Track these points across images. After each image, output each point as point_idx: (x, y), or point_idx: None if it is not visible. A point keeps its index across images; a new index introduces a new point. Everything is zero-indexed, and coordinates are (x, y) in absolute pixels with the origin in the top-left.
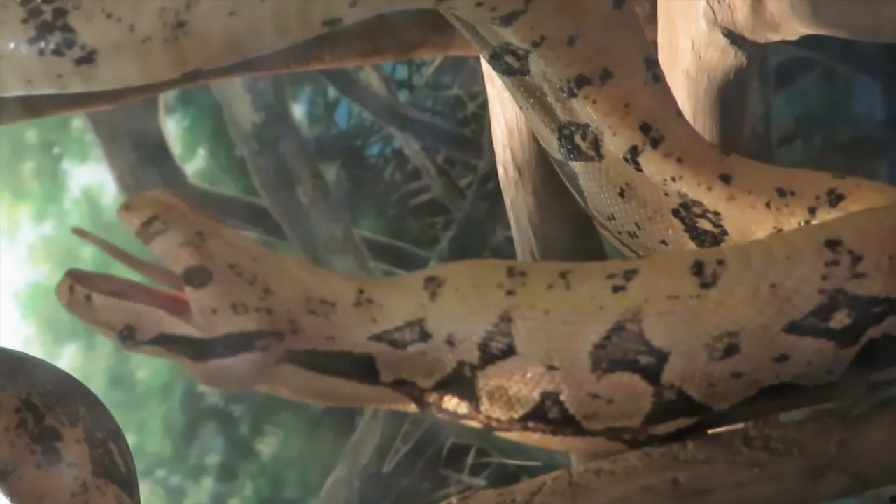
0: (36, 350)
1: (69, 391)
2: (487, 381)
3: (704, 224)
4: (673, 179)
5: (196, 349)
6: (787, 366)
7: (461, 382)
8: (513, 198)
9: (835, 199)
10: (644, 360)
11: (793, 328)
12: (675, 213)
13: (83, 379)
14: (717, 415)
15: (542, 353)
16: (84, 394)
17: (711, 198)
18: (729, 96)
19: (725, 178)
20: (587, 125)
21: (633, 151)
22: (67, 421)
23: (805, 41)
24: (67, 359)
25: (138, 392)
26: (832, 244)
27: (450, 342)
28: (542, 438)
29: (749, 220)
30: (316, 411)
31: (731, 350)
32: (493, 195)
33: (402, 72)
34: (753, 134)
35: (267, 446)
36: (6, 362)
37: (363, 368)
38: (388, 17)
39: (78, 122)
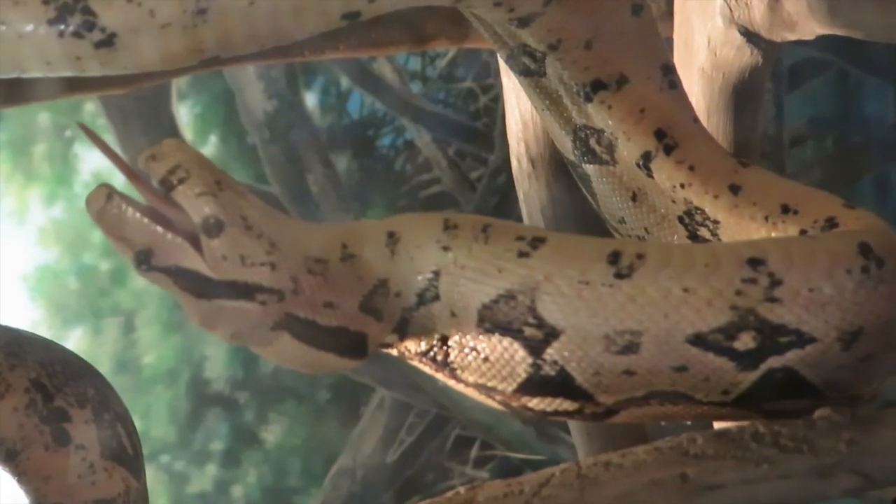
0: (43, 333)
1: (78, 373)
2: (416, 319)
3: (704, 232)
4: (682, 186)
5: (201, 286)
6: (685, 377)
7: (402, 323)
8: (526, 190)
9: (828, 227)
10: (529, 331)
11: (697, 340)
12: (681, 219)
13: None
14: (602, 407)
15: (450, 301)
16: (93, 375)
17: (715, 206)
18: (743, 95)
19: (734, 189)
20: (602, 130)
21: (646, 157)
22: (76, 402)
23: (818, 43)
24: (74, 342)
25: (144, 377)
26: (755, 262)
27: (397, 295)
28: (430, 372)
29: (743, 231)
30: (321, 400)
31: (629, 348)
32: (503, 188)
33: (415, 63)
34: (765, 134)
35: (271, 434)
36: (16, 342)
37: (355, 345)
38: (404, 9)
39: (90, 105)
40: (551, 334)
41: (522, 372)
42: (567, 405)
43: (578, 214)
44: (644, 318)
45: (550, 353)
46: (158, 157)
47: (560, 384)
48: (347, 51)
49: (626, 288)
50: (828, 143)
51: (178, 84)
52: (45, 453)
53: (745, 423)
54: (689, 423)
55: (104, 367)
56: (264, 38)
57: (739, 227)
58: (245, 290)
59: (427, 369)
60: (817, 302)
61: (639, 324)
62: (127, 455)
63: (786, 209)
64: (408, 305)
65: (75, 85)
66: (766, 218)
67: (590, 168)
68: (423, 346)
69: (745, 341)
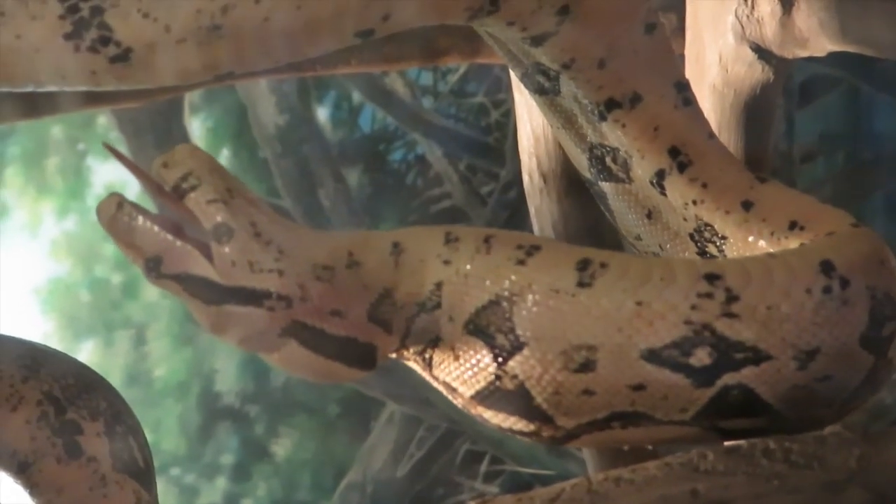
0: (55, 345)
1: (91, 385)
2: (418, 324)
3: (711, 248)
4: (694, 203)
5: (211, 292)
6: (644, 396)
7: (406, 331)
8: (537, 206)
9: None
10: (500, 339)
11: (652, 356)
12: (691, 236)
13: None
14: (561, 431)
15: (450, 307)
16: (105, 388)
17: (725, 222)
18: (755, 111)
19: (747, 205)
20: (617, 148)
21: (660, 175)
22: (88, 415)
23: (829, 59)
24: (86, 355)
25: (155, 390)
26: (711, 277)
27: (402, 307)
28: (419, 370)
29: (747, 248)
30: (332, 414)
31: (587, 366)
32: (514, 203)
33: (427, 78)
34: (776, 151)
35: (281, 447)
36: (29, 355)
37: (364, 356)
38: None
39: (103, 119)
40: (516, 346)
41: (482, 379)
42: (522, 425)
43: (590, 230)
44: (598, 331)
45: (512, 365)
46: (171, 164)
47: (517, 401)
48: (359, 65)
49: (584, 298)
50: (839, 160)
51: (191, 98)
52: (57, 466)
53: (755, 439)
54: (649, 447)
55: (115, 379)
56: (278, 54)
57: (745, 245)
58: (253, 297)
59: (417, 368)
60: (775, 319)
61: (593, 338)
62: (138, 468)
63: (793, 225)
64: (411, 315)
65: (88, 98)
66: (772, 234)
67: (606, 186)
68: (418, 347)
69: (701, 357)
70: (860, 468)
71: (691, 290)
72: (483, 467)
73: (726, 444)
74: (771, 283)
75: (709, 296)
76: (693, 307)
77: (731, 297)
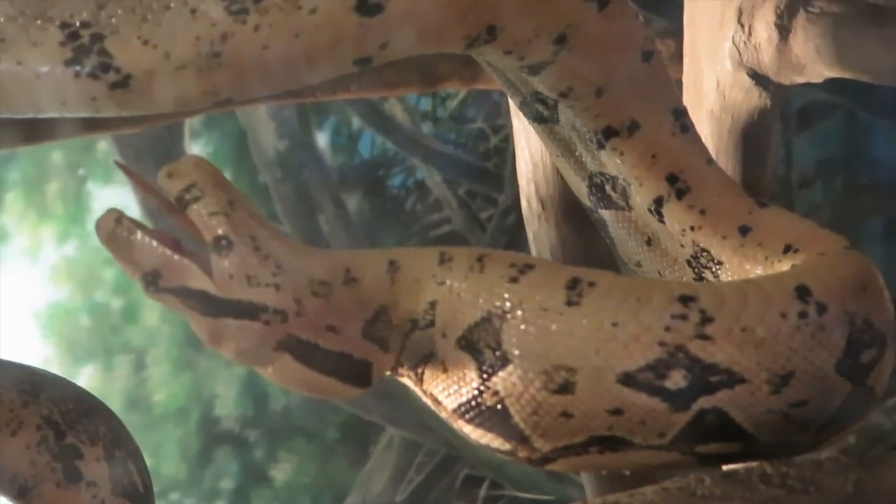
0: (54, 370)
1: (90, 410)
2: (412, 341)
3: (708, 274)
4: (692, 229)
5: (208, 305)
6: (621, 420)
7: (401, 349)
8: (535, 231)
9: None
10: (488, 355)
11: (628, 380)
12: (689, 262)
13: None
14: (537, 453)
15: (443, 325)
16: (105, 413)
17: (721, 247)
18: (752, 137)
19: (744, 230)
20: (616, 176)
21: (658, 202)
22: (88, 440)
23: (827, 85)
24: (85, 380)
25: (155, 414)
26: (686, 299)
27: (397, 325)
28: (411, 386)
29: (743, 273)
30: (331, 439)
31: (566, 387)
32: (513, 229)
33: (426, 104)
34: (774, 176)
35: (281, 472)
36: (29, 379)
37: (359, 373)
38: None
39: (103, 144)
40: (502, 361)
41: (466, 393)
42: (498, 443)
43: (588, 255)
44: (577, 353)
45: (495, 381)
46: (175, 175)
47: (495, 418)
48: (359, 91)
49: (569, 317)
50: (837, 185)
51: (191, 123)
52: (56, 490)
53: (752, 463)
54: (626, 472)
55: (115, 404)
56: (277, 81)
57: (741, 270)
58: (250, 310)
59: (409, 383)
60: (749, 342)
61: (573, 359)
62: (138, 492)
63: (787, 249)
64: (405, 332)
65: (89, 124)
66: (766, 258)
67: (606, 214)
68: (411, 362)
69: (676, 380)
70: (856, 493)
71: (665, 312)
72: (482, 492)
73: (724, 468)
74: (745, 307)
75: (683, 317)
76: (667, 329)
77: (706, 319)
